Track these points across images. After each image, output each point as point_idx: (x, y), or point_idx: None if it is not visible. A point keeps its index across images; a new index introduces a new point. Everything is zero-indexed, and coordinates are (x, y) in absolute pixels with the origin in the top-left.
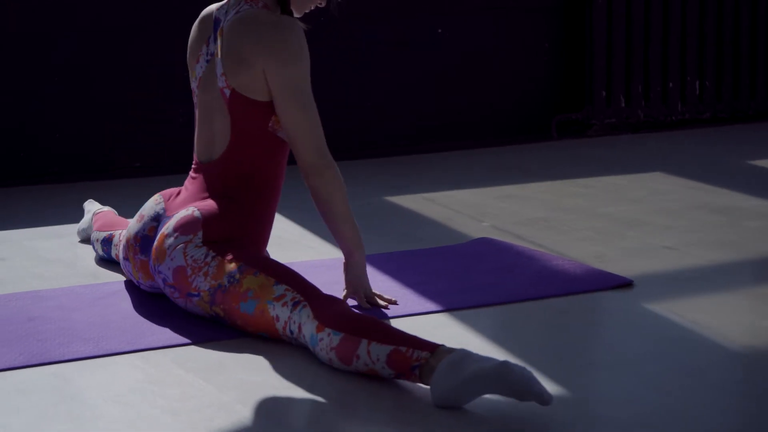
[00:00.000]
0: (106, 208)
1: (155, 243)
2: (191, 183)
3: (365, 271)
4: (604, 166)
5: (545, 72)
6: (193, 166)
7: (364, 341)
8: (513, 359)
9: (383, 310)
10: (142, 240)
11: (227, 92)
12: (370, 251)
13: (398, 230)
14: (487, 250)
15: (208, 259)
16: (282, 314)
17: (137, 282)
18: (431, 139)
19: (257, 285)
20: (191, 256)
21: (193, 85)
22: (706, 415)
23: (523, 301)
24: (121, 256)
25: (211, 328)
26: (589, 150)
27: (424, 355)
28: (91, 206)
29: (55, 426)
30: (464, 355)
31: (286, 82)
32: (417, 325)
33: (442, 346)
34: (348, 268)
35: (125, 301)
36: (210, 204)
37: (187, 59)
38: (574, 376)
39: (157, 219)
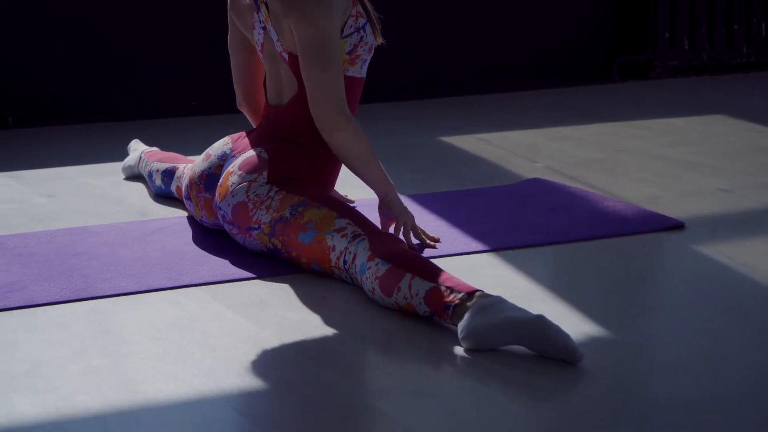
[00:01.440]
0: (154, 149)
1: (220, 180)
2: (260, 125)
3: (403, 204)
4: (665, 109)
5: (607, 13)
6: (264, 109)
7: (408, 275)
8: (559, 300)
9: (430, 249)
10: (208, 178)
11: (285, 56)
12: (421, 191)
13: (451, 171)
14: (538, 191)
15: (272, 193)
16: (339, 244)
17: (200, 220)
18: (488, 79)
19: (319, 217)
20: (254, 193)
21: (258, 49)
22: (754, 358)
23: (572, 242)
24: (183, 194)
25: (256, 265)
26: (650, 93)
27: (461, 296)
28: (138, 145)
29: (90, 361)
30: (499, 301)
31: (306, 39)
32: (464, 264)
33: (481, 291)
34: (386, 206)
35: (171, 238)
36: (277, 146)
37: (232, 16)
38: (621, 318)
39: (224, 158)
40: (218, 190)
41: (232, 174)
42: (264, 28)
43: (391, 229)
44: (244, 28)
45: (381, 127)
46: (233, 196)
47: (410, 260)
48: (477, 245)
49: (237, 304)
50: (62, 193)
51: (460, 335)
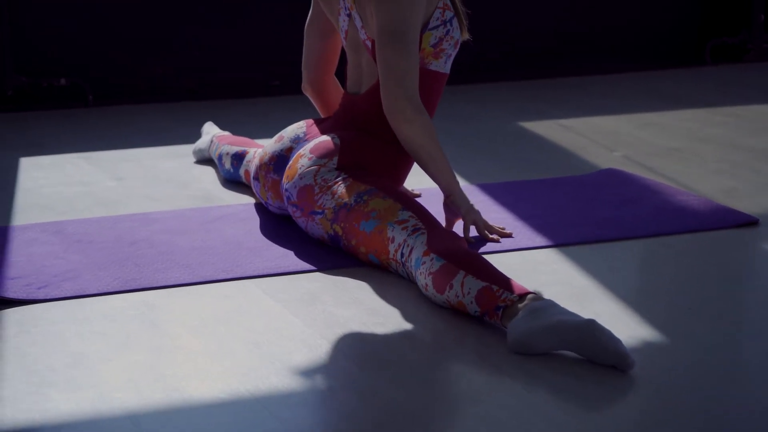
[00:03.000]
0: (226, 133)
1: (290, 162)
2: (337, 113)
3: (469, 201)
4: (757, 95)
5: None
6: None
7: (461, 272)
8: (616, 301)
9: (493, 243)
10: (278, 159)
11: (368, 44)
12: (492, 179)
13: (527, 158)
14: (611, 182)
15: (339, 179)
16: (399, 236)
17: (266, 203)
18: (574, 61)
19: (383, 207)
20: (322, 177)
21: (342, 36)
22: None
23: (638, 238)
24: (252, 174)
25: (313, 257)
26: (743, 77)
27: (512, 298)
28: (211, 128)
29: (131, 356)
30: (550, 305)
31: (385, 23)
32: (524, 260)
33: (534, 293)
34: (452, 203)
35: (233, 226)
36: (351, 134)
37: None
38: (681, 322)
39: (296, 141)
40: (287, 172)
41: (302, 157)
42: (349, 15)
43: (458, 226)
44: (330, 13)
45: (460, 110)
46: (301, 179)
47: (465, 257)
48: (540, 240)
49: (287, 298)
50: (131, 176)
51: (508, 338)
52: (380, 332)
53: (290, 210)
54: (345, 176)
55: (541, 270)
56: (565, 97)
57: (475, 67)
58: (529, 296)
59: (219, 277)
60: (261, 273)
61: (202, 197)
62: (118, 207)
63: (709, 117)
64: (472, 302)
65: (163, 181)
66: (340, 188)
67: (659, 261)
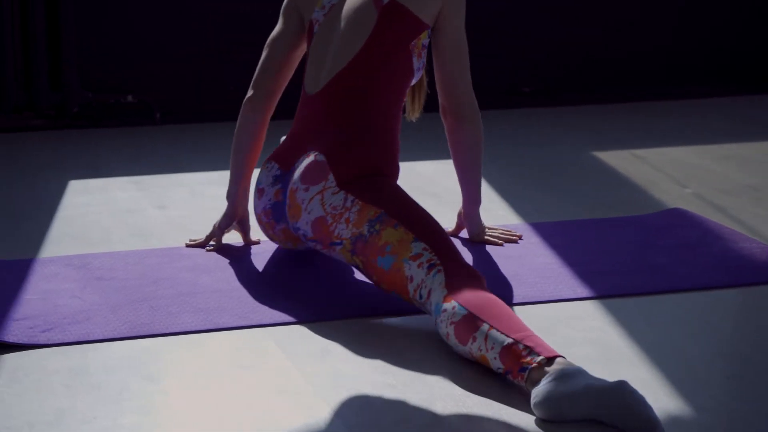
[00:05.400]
0: None
1: (287, 202)
2: (299, 122)
3: (482, 223)
4: None
5: None
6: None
7: (486, 325)
8: (654, 364)
9: (526, 293)
10: (273, 209)
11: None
12: (548, 217)
13: (592, 194)
14: (673, 224)
15: (348, 204)
16: (416, 276)
17: (296, 247)
18: (656, 85)
19: (396, 240)
20: (329, 204)
21: (312, 25)
22: None
23: (688, 290)
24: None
25: (339, 302)
26: None
27: (539, 360)
28: None
29: (116, 415)
30: (579, 372)
31: (461, 24)
32: (559, 312)
33: (563, 357)
34: (469, 217)
35: (263, 264)
36: (328, 141)
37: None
38: (723, 391)
39: (277, 182)
40: (289, 212)
41: (297, 191)
42: None
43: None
44: (306, 10)
45: (532, 135)
46: (309, 213)
47: (489, 308)
48: (580, 290)
49: (297, 352)
50: (175, 204)
51: (533, 401)
52: (388, 395)
53: (311, 245)
54: (353, 199)
55: (574, 325)
56: (644, 123)
57: (552, 89)
58: (558, 360)
59: (231, 325)
60: (276, 321)
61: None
62: (152, 239)
63: None
64: (496, 358)
65: (206, 210)
66: (352, 215)
67: (709, 317)
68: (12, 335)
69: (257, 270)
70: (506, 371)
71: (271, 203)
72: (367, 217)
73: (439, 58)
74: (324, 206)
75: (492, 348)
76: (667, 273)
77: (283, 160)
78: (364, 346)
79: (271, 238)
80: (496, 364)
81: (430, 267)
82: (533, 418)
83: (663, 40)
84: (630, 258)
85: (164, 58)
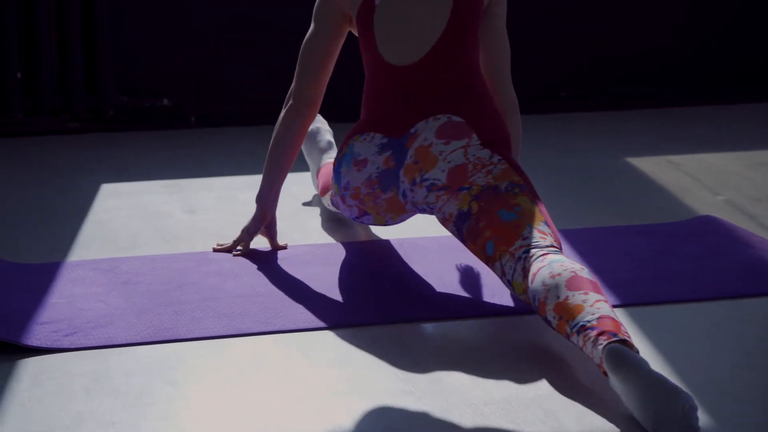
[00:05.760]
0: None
1: (412, 157)
2: (388, 96)
3: None
4: None
5: None
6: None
7: (600, 294)
8: (666, 369)
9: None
10: (381, 177)
11: None
12: (577, 224)
13: (623, 200)
14: (702, 231)
15: (494, 160)
16: (533, 238)
17: (386, 223)
18: (693, 88)
19: (528, 208)
20: (474, 155)
21: None
22: None
23: (713, 299)
24: (352, 215)
25: (366, 307)
26: None
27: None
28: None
29: (135, 419)
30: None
31: (505, 10)
32: None
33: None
34: None
35: (290, 270)
36: (454, 105)
37: None
38: (735, 401)
39: (387, 149)
40: (419, 165)
41: (431, 146)
42: None
43: None
44: None
45: (566, 141)
46: (448, 162)
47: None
48: None
49: (320, 357)
50: (205, 208)
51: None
52: (406, 403)
53: (431, 198)
54: (500, 158)
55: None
56: (681, 129)
57: (590, 94)
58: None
59: (254, 330)
60: (300, 327)
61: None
62: (180, 244)
63: None
64: (593, 314)
65: (235, 215)
66: (496, 169)
67: (732, 328)
68: (36, 339)
69: (283, 275)
70: (599, 331)
71: (378, 171)
72: (510, 178)
73: (486, 51)
74: (467, 156)
75: (598, 309)
76: (693, 281)
77: (389, 128)
78: (384, 352)
79: (364, 214)
80: (590, 318)
81: (551, 245)
82: (550, 427)
83: (707, 44)
84: (656, 266)
85: (200, 62)
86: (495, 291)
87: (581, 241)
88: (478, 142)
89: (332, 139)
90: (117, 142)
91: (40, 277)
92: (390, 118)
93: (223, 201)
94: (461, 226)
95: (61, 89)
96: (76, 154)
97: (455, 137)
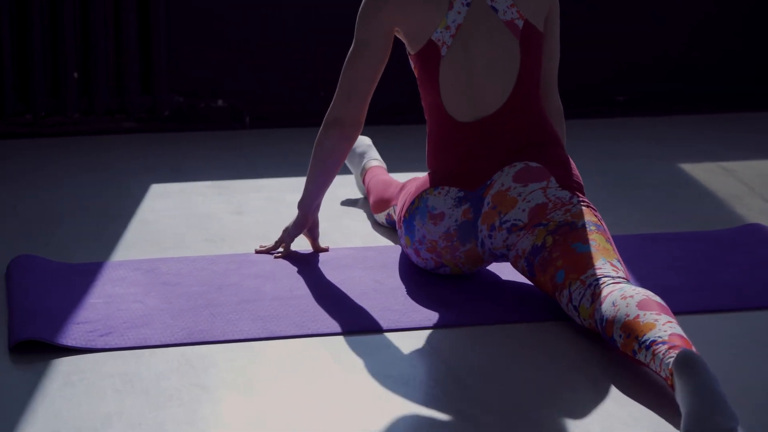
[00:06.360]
0: (376, 163)
1: (491, 202)
2: (465, 150)
3: None
4: None
5: None
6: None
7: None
8: None
9: None
10: (459, 230)
11: (519, 23)
12: (626, 230)
13: (672, 207)
14: (747, 240)
15: (574, 201)
16: (604, 269)
17: (463, 272)
18: (752, 94)
19: (603, 245)
20: (554, 195)
21: (449, 35)
22: None
23: (757, 309)
24: (427, 266)
25: (406, 312)
26: None
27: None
28: (368, 150)
29: (161, 422)
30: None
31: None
32: None
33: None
34: None
35: (329, 273)
36: (530, 154)
37: (392, 13)
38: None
39: (464, 202)
40: (498, 209)
41: (511, 189)
42: (469, 4)
43: None
44: (407, 21)
45: (617, 146)
46: (528, 202)
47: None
48: None
49: (350, 363)
50: (252, 209)
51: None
52: (434, 411)
53: (507, 243)
54: (579, 199)
55: None
56: (737, 134)
57: (646, 98)
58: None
59: (288, 333)
60: (334, 331)
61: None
62: (224, 245)
63: None
64: (665, 332)
65: (282, 216)
66: (575, 208)
67: (756, 339)
68: (71, 339)
69: (322, 278)
70: (670, 345)
71: (456, 224)
72: (588, 217)
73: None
74: (547, 195)
75: (667, 330)
76: (737, 290)
77: (465, 182)
78: (417, 358)
79: (441, 266)
80: (662, 334)
81: (621, 277)
82: None
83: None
84: (700, 274)
85: (255, 63)
86: (529, 297)
87: (627, 247)
88: (557, 185)
89: (369, 140)
90: (171, 143)
91: (82, 277)
92: (465, 172)
93: (271, 202)
94: (533, 260)
95: (117, 89)
96: (130, 153)
97: (533, 180)
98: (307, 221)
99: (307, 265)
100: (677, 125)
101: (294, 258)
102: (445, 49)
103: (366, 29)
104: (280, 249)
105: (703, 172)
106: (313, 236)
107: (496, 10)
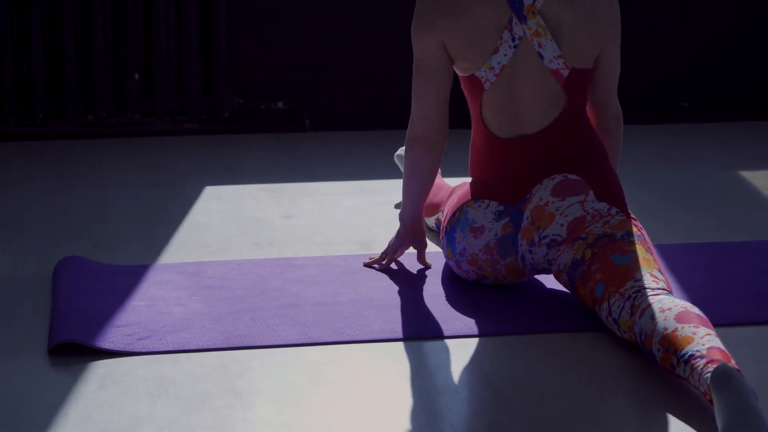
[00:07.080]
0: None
1: (529, 216)
2: (505, 167)
3: None
4: None
5: None
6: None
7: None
8: None
9: None
10: (499, 243)
11: (564, 72)
12: (674, 239)
13: (728, 215)
14: None
15: (612, 212)
16: (645, 281)
17: (505, 285)
18: None
19: (643, 256)
20: (592, 208)
21: (493, 72)
22: None
23: None
24: (469, 278)
25: (447, 320)
26: None
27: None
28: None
29: (190, 427)
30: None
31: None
32: None
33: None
34: None
35: (373, 279)
36: (568, 168)
37: (442, 40)
38: None
39: (504, 216)
40: (536, 225)
41: (547, 204)
42: (516, 46)
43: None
44: (461, 55)
45: (679, 153)
46: (566, 216)
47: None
48: None
49: (386, 371)
50: (304, 213)
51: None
52: (467, 420)
53: (548, 258)
54: (618, 210)
55: None
56: None
57: (712, 104)
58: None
59: (327, 340)
60: (371, 338)
61: (361, 242)
62: (272, 249)
63: None
64: (703, 345)
65: (334, 221)
66: (614, 220)
67: None
68: (109, 342)
69: (365, 284)
70: (708, 359)
71: (496, 238)
72: (627, 228)
73: (598, 75)
74: (584, 208)
75: (705, 342)
76: None
77: (504, 196)
78: (455, 367)
79: (482, 276)
80: (701, 348)
81: (662, 288)
82: None
83: None
84: (748, 286)
85: (315, 65)
86: (572, 307)
87: (676, 256)
88: (594, 198)
89: None
90: (230, 144)
91: (127, 279)
92: (505, 187)
93: (323, 206)
94: (573, 274)
95: (178, 91)
96: (188, 155)
97: (571, 193)
98: (406, 232)
99: (351, 272)
100: (740, 132)
101: (337, 263)
102: (489, 85)
103: (420, 49)
104: (384, 261)
105: (763, 180)
106: (417, 248)
107: (542, 57)
